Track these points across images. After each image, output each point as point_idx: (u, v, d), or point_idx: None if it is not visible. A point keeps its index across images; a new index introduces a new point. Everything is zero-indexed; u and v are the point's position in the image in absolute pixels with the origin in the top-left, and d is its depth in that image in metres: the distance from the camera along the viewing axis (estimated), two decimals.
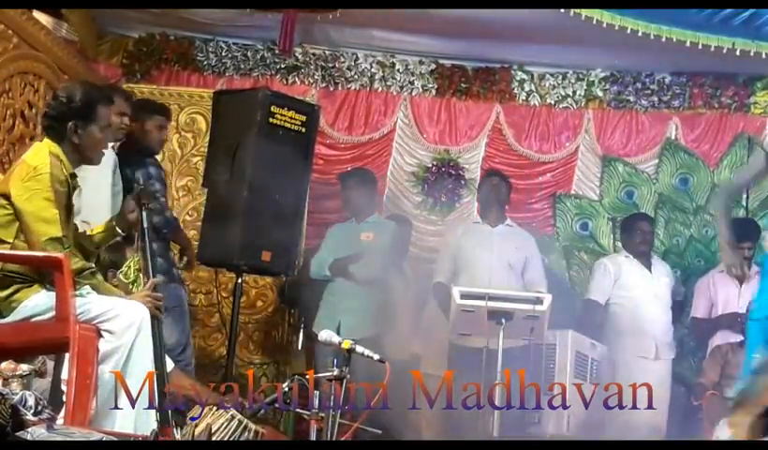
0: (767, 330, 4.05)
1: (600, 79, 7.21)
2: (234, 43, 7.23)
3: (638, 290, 6.31)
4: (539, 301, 5.27)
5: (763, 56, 6.09)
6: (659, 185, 7.02)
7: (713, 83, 7.01)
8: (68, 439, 3.00)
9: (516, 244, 6.14)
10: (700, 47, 6.09)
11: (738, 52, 6.03)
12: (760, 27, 5.96)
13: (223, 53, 7.22)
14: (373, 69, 7.30)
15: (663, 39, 6.07)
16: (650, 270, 6.36)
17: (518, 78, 7.25)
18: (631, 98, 7.15)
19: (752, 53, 6.08)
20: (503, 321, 5.12)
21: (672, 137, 7.07)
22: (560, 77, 7.23)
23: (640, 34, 6.05)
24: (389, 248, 6.22)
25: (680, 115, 7.09)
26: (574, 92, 7.21)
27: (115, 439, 3.11)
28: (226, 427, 3.20)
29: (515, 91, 7.25)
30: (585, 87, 7.21)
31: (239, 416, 3.24)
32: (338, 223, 6.40)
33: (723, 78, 6.99)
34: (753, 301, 4.23)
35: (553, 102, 7.23)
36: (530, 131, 7.24)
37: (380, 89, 7.31)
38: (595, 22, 5.92)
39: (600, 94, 7.21)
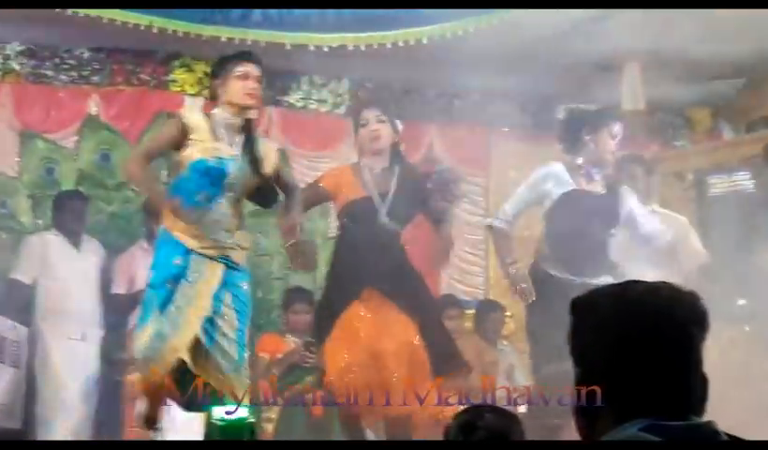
0: (162, 295, 4.40)
1: (17, 52, 7.03)
2: None
3: (65, 269, 6.32)
4: None
5: (180, 35, 6.36)
6: (80, 161, 7.03)
7: (132, 60, 7.19)
8: None
9: None
10: (118, 23, 6.20)
11: (156, 30, 6.23)
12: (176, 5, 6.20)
13: None
14: None
15: (81, 15, 6.11)
16: (78, 249, 6.39)
17: None
18: (50, 73, 7.07)
19: (170, 31, 6.32)
20: None
21: (93, 113, 7.12)
22: None
23: (57, 11, 6.04)
24: None
25: (100, 91, 7.14)
26: None
27: None
28: None
29: None
30: (2, 61, 7.01)
31: None
32: None
33: (142, 55, 7.19)
34: (151, 270, 4.53)
35: None
36: None
37: None
38: None
39: (17, 68, 7.04)
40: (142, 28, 6.18)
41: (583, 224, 5.27)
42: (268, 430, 5.91)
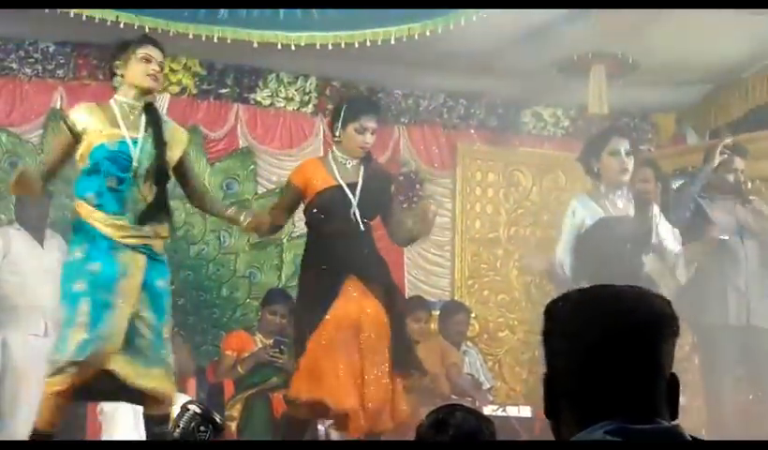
0: (94, 297, 4.38)
1: None
2: None
3: (28, 264, 6.27)
4: None
5: (135, 28, 6.29)
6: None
7: (98, 54, 7.13)
8: None
9: None
10: (84, 17, 6.15)
11: (122, 25, 6.18)
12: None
13: None
14: None
15: (46, 10, 6.06)
16: (41, 244, 6.34)
17: None
18: (14, 66, 7.02)
19: (136, 27, 6.26)
20: None
21: (57, 106, 7.08)
22: None
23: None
24: None
25: (65, 85, 7.10)
26: None
27: None
28: None
29: None
30: None
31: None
32: None
33: (108, 49, 7.11)
34: (74, 268, 4.49)
35: None
36: None
37: None
38: None
39: None
40: (109, 23, 6.12)
41: (615, 251, 5.19)
42: (231, 428, 5.90)
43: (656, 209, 5.54)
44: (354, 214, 5.11)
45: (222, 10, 6.20)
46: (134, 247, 4.45)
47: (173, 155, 4.65)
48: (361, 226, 5.14)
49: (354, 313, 5.06)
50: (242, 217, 4.84)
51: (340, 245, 5.08)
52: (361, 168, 5.22)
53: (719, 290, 5.69)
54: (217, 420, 3.38)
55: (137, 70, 4.54)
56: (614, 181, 5.31)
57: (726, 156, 5.85)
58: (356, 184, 5.16)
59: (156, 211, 4.53)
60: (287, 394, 5.21)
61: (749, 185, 5.78)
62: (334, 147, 5.28)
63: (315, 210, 5.20)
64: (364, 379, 4.97)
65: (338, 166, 5.19)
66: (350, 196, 5.12)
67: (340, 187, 5.13)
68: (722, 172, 5.83)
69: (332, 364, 4.97)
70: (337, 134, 5.22)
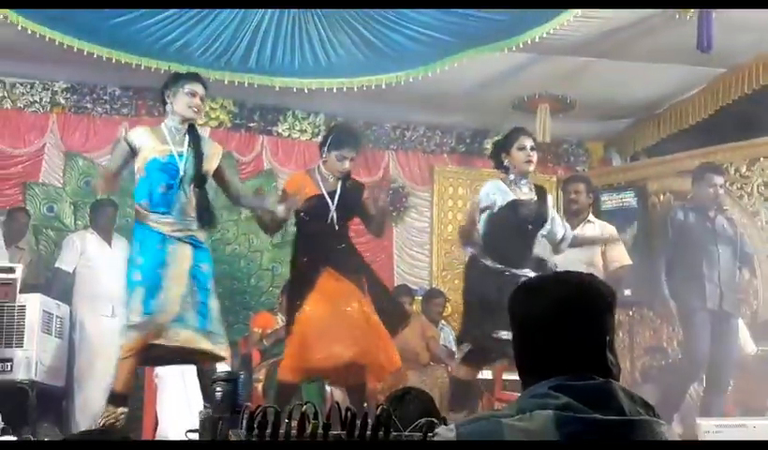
0: (151, 278, 4.33)
1: (63, 89, 7.11)
2: None
3: (99, 260, 6.27)
4: (11, 270, 5.05)
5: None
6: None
7: (153, 96, 7.13)
8: None
9: None
10: (143, 67, 6.18)
11: (162, 71, 6.17)
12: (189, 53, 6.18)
13: None
14: None
15: (113, 60, 6.09)
16: (110, 244, 6.35)
17: None
18: (88, 106, 7.15)
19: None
20: None
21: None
22: (28, 86, 7.01)
23: (95, 55, 6.01)
24: None
25: (128, 121, 7.13)
26: (41, 99, 7.03)
27: None
28: None
29: None
30: (50, 95, 7.06)
31: None
32: None
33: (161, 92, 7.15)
34: (138, 256, 4.44)
35: (22, 106, 6.99)
36: (3, 131, 6.96)
37: None
38: (47, 39, 5.79)
39: (63, 101, 7.11)
40: (163, 72, 6.13)
41: (517, 226, 5.11)
42: (258, 389, 5.89)
43: (550, 200, 5.43)
44: (332, 217, 5.05)
45: (252, 61, 6.21)
46: (180, 239, 4.41)
47: (212, 164, 4.61)
48: (336, 226, 5.08)
49: (331, 295, 4.99)
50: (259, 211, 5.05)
51: (319, 242, 5.03)
52: (340, 182, 5.15)
53: (699, 280, 5.63)
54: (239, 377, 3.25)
55: (182, 102, 4.45)
56: (522, 170, 5.16)
57: (706, 174, 5.77)
58: (335, 193, 5.10)
59: (203, 209, 4.49)
60: (279, 378, 5.09)
61: (718, 197, 5.69)
62: (320, 164, 5.20)
63: (302, 213, 5.14)
64: (349, 339, 4.89)
65: (322, 179, 5.12)
66: (330, 203, 5.07)
67: (323, 196, 5.07)
68: (704, 187, 5.75)
69: (317, 333, 4.91)
70: (323, 156, 5.16)
